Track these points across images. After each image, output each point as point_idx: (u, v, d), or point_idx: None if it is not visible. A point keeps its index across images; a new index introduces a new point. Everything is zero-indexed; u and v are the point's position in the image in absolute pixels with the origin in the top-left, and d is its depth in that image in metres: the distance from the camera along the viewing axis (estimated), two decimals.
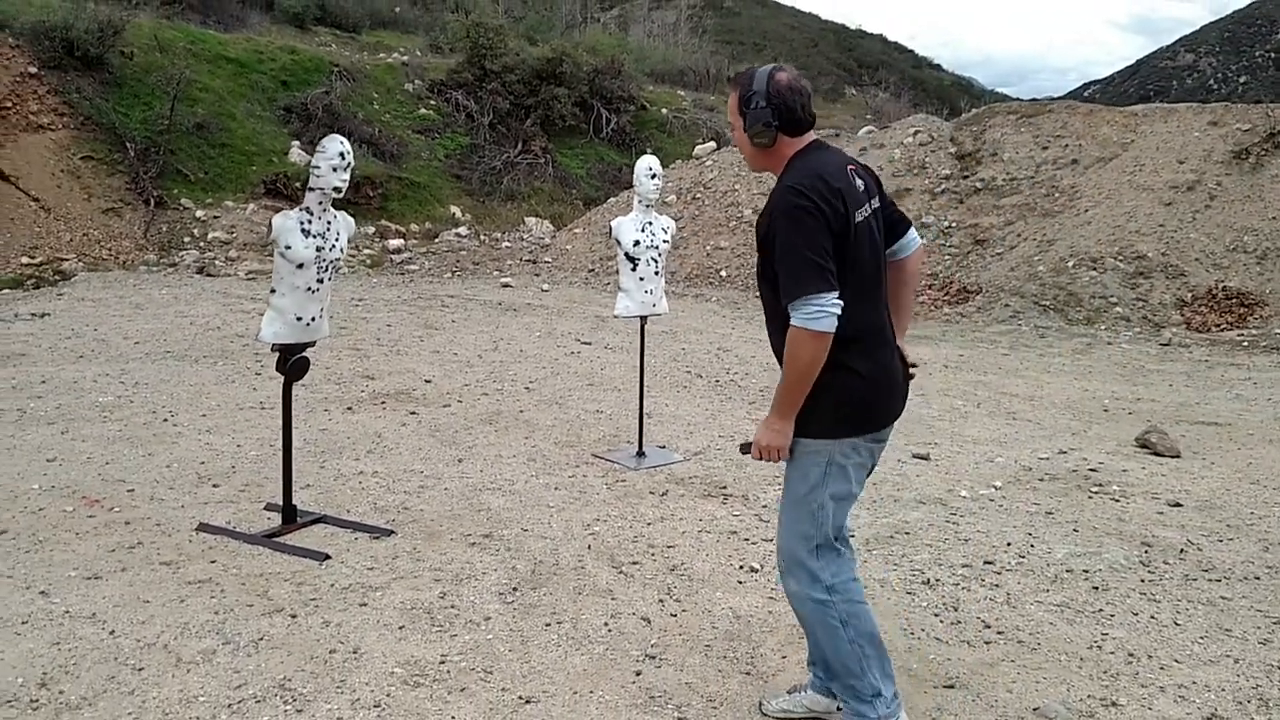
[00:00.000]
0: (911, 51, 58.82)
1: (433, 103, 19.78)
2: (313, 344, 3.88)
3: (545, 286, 13.17)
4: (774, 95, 2.43)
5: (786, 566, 2.51)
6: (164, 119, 14.66)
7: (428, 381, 6.93)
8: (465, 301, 11.40)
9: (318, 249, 3.69)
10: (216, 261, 13.19)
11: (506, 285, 13.04)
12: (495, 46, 20.42)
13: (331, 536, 3.93)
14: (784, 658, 3.06)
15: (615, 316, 5.13)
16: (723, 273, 14.05)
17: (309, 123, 16.81)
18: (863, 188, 2.48)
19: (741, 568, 3.84)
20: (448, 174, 18.22)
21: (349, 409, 6.01)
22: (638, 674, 2.93)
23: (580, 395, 6.76)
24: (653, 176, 4.98)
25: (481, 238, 16.40)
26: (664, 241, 5.11)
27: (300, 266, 3.66)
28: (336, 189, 3.63)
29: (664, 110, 23.16)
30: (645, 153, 7.23)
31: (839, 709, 2.61)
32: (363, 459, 5.00)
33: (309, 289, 3.72)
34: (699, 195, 15.94)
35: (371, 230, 15.84)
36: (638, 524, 4.26)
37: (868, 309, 2.44)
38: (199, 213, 14.40)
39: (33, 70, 13.76)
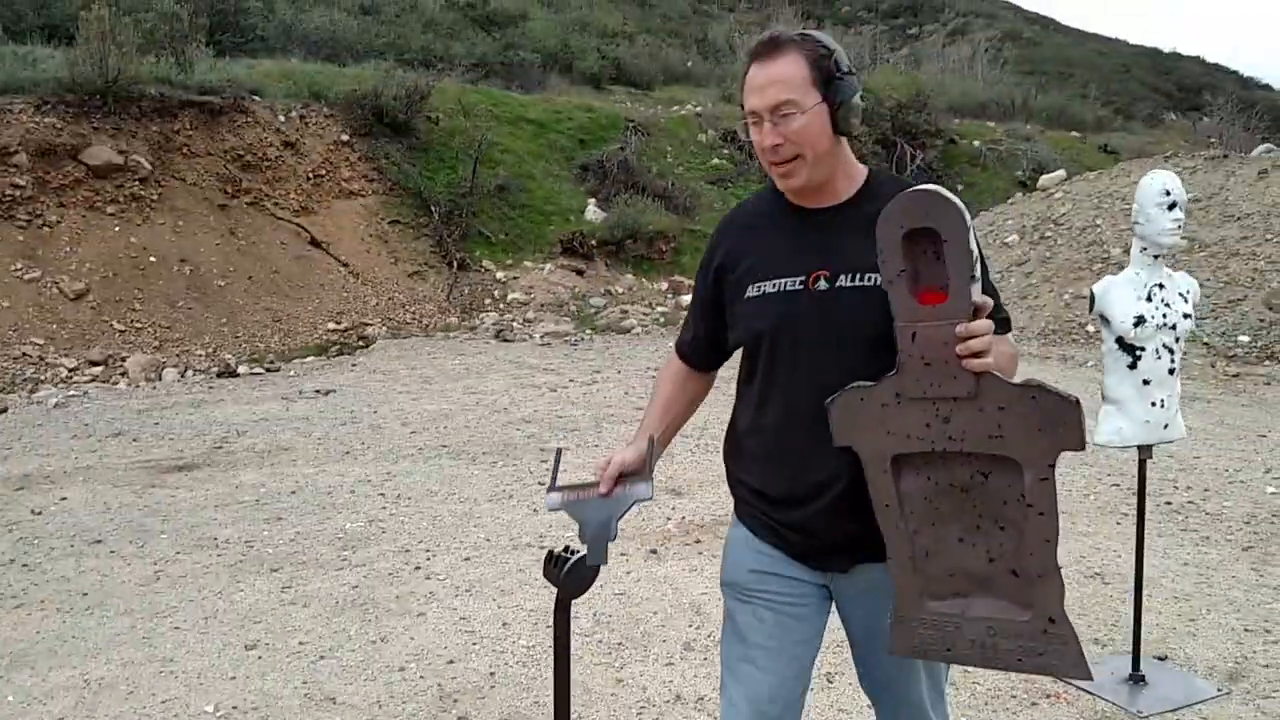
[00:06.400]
0: (1236, 72, 50.34)
1: (726, 151, 18.77)
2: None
3: None
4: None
5: None
6: (467, 181, 14.50)
7: None
8: None
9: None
10: (515, 324, 12.59)
11: None
12: None
13: None
14: None
15: (1099, 445, 3.02)
16: (1090, 327, 11.27)
17: (604, 180, 16.30)
18: None
19: None
20: None
21: (653, 551, 4.30)
22: None
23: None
24: (1171, 206, 2.87)
25: None
26: (1184, 317, 2.96)
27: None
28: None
29: (975, 143, 20.76)
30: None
31: None
32: (678, 663, 3.23)
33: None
34: (1049, 233, 13.31)
35: (664, 286, 14.86)
36: None
37: None
38: (499, 274, 14.10)
39: (344, 138, 14.02)
